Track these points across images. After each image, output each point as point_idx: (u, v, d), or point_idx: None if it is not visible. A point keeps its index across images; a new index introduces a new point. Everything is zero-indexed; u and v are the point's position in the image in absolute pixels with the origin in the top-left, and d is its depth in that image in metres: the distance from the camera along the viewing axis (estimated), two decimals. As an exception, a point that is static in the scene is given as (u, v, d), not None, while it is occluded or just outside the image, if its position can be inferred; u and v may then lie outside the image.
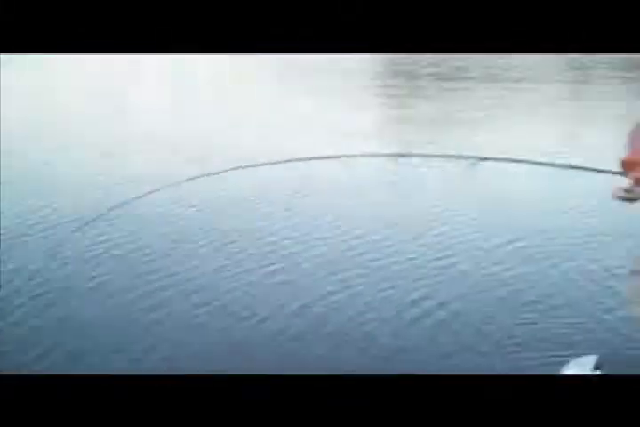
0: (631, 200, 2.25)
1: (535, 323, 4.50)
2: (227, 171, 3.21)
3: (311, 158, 2.71)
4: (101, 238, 5.74)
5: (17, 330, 3.86)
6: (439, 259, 5.11)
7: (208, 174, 3.14)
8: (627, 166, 2.24)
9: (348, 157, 3.15)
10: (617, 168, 2.26)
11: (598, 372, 2.93)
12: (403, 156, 3.07)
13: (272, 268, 4.73)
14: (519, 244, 5.93)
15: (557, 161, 2.85)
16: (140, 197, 3.27)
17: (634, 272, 2.52)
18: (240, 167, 2.96)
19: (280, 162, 2.95)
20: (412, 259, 5.11)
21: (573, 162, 2.73)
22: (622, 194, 2.22)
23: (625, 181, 2.22)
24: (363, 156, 3.19)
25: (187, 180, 2.85)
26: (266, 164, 3.10)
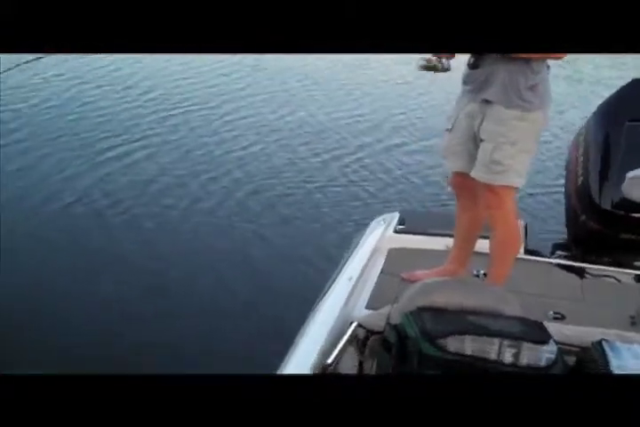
0: (434, 70, 2.67)
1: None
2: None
3: None
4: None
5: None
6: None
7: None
8: None
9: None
10: None
11: (402, 227, 3.35)
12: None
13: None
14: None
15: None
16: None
17: (445, 130, 2.86)
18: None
19: None
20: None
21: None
22: (424, 63, 2.66)
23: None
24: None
25: None
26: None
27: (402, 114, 7.98)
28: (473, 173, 2.69)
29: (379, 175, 6.35)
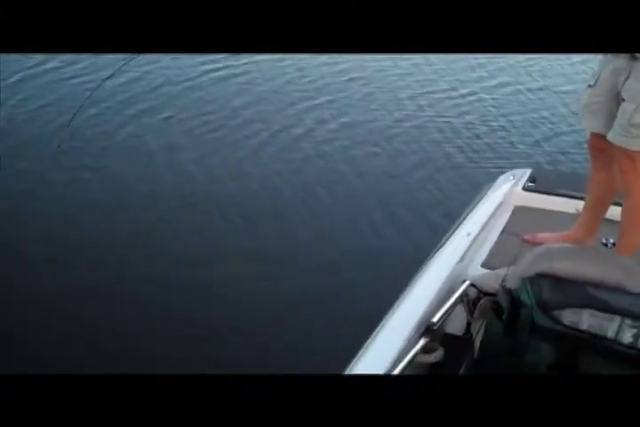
0: None
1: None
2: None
3: None
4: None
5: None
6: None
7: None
8: None
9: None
10: None
11: (532, 184, 3.15)
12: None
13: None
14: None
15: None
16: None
17: (587, 86, 2.63)
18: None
19: None
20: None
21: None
22: None
23: None
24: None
25: None
26: None
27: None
28: (609, 136, 2.52)
29: (520, 128, 6.17)
